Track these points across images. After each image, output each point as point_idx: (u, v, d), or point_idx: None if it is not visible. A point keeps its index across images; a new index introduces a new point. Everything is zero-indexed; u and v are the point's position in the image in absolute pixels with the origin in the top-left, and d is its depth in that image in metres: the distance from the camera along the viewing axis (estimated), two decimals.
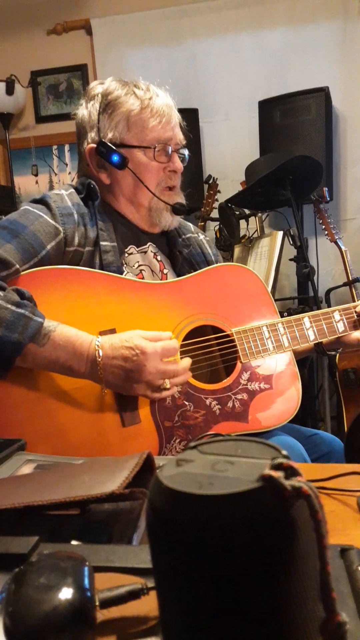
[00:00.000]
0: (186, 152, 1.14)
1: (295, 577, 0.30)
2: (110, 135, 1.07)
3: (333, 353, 1.19)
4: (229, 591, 0.30)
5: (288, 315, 1.11)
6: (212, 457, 0.36)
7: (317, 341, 1.10)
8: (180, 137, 1.12)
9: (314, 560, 0.31)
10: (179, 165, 1.11)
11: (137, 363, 0.88)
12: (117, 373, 0.88)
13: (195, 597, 0.31)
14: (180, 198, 1.13)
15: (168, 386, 0.91)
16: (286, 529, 0.30)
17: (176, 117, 1.11)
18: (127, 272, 1.08)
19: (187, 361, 0.95)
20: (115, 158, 1.06)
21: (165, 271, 1.15)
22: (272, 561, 0.30)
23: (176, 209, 1.12)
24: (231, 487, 0.31)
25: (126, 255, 1.10)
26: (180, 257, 1.18)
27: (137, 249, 1.13)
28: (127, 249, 1.11)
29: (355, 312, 1.12)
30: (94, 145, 1.08)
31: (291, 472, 0.31)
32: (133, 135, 1.07)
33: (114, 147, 1.06)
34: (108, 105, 1.07)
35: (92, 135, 1.09)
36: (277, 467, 0.31)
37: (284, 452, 0.34)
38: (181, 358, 0.99)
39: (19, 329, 0.84)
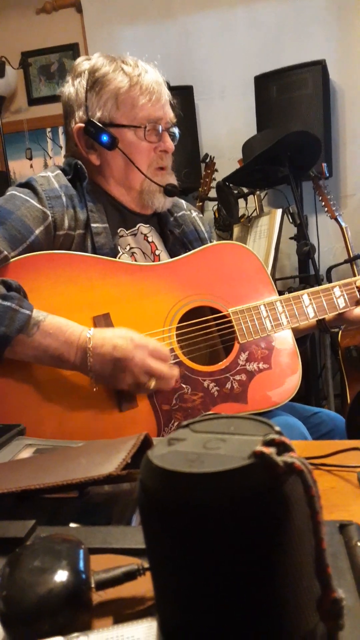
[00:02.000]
0: (177, 130, 1.11)
1: (290, 553, 0.30)
2: (98, 114, 1.04)
3: (336, 330, 1.17)
4: (222, 570, 0.29)
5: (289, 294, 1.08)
6: (204, 435, 0.35)
7: (316, 318, 1.08)
8: (170, 115, 1.09)
9: (309, 536, 0.30)
10: (170, 145, 1.08)
11: (126, 350, 0.87)
12: (105, 361, 0.87)
13: (188, 576, 0.31)
14: (172, 179, 1.10)
15: (152, 386, 0.90)
16: (279, 506, 0.29)
17: (166, 94, 1.08)
18: (122, 254, 1.07)
19: (176, 370, 0.93)
20: (104, 138, 1.03)
21: (157, 252, 1.13)
22: (265, 538, 0.29)
23: (168, 191, 1.09)
24: (222, 465, 0.30)
25: (118, 237, 1.09)
26: (171, 236, 1.16)
27: (127, 232, 1.11)
28: (118, 231, 1.09)
29: (357, 287, 1.10)
30: (82, 125, 1.05)
31: (284, 448, 0.31)
32: (122, 113, 1.04)
33: (103, 127, 1.03)
34: (96, 83, 1.04)
35: (79, 114, 1.06)
36: (269, 443, 0.31)
37: (277, 428, 0.33)
38: (177, 342, 0.98)
39: (6, 322, 0.83)
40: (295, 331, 1.09)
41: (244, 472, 0.29)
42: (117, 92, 1.03)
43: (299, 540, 0.30)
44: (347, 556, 0.39)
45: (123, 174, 1.07)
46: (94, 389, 0.90)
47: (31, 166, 3.07)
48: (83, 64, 1.07)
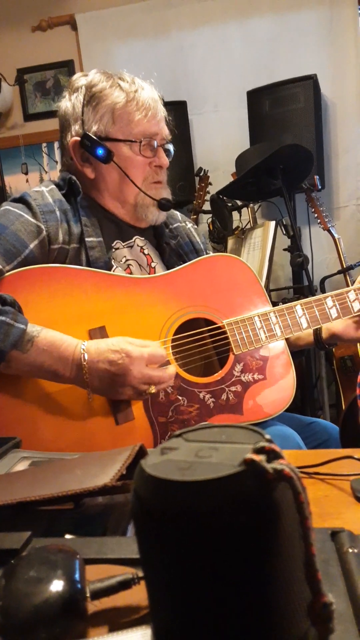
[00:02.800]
0: (171, 147, 1.13)
1: (281, 559, 0.30)
2: (95, 128, 1.06)
3: (331, 347, 1.19)
4: (213, 576, 0.30)
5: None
6: (197, 444, 0.36)
7: (310, 329, 1.09)
8: (165, 132, 1.11)
9: (299, 542, 0.31)
10: (164, 160, 1.10)
11: (123, 367, 0.87)
12: (102, 377, 0.87)
13: (181, 583, 0.31)
14: (166, 193, 1.12)
15: (153, 391, 0.90)
16: (269, 512, 0.30)
17: (162, 112, 1.10)
18: (116, 267, 1.08)
19: (172, 369, 0.94)
20: (100, 151, 1.05)
21: (153, 264, 1.14)
22: (256, 544, 0.30)
23: (163, 205, 1.10)
24: (213, 473, 0.30)
25: (113, 250, 1.10)
26: (167, 248, 1.17)
27: (123, 244, 1.12)
28: (114, 244, 1.10)
29: (348, 297, 1.11)
30: (78, 138, 1.06)
31: (273, 456, 0.31)
32: (118, 128, 1.06)
33: (98, 140, 1.05)
34: (92, 98, 1.05)
35: (75, 128, 1.07)
36: (259, 450, 0.31)
37: (267, 436, 0.34)
38: (172, 354, 0.99)
39: (1, 337, 0.83)
40: (292, 347, 1.11)
41: (235, 480, 0.30)
42: (114, 107, 1.05)
43: (289, 546, 0.31)
44: (338, 562, 0.40)
45: (117, 187, 1.08)
46: (90, 399, 0.90)
47: (27, 181, 3.10)
48: (80, 79, 1.09)
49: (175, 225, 1.23)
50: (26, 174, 3.08)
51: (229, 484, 0.30)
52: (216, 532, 0.30)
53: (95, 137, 1.05)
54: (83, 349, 0.88)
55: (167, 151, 1.12)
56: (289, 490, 0.31)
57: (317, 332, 1.15)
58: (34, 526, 0.51)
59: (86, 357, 0.87)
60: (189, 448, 0.35)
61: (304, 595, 0.31)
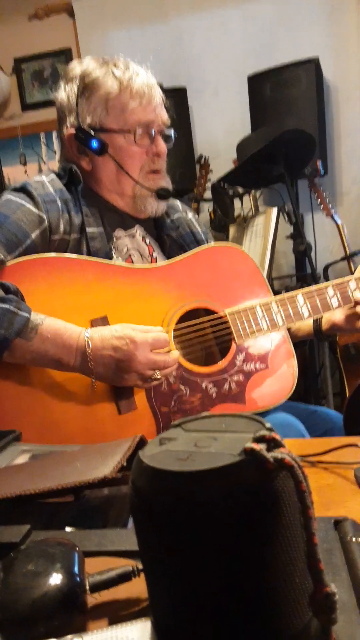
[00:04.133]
0: (172, 132, 1.10)
1: (282, 549, 0.29)
2: (89, 120, 1.04)
3: (331, 339, 1.18)
4: (214, 567, 0.29)
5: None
6: (196, 434, 0.35)
7: (311, 318, 1.08)
8: (164, 117, 1.08)
9: (301, 532, 0.30)
10: (162, 148, 1.07)
11: (127, 352, 0.86)
12: (107, 363, 0.87)
13: (181, 574, 0.30)
14: (165, 182, 1.09)
15: (158, 376, 0.90)
16: (270, 501, 0.29)
17: (158, 97, 1.07)
18: (117, 258, 1.06)
19: (176, 353, 0.94)
20: (94, 144, 1.03)
21: (154, 254, 1.13)
22: (257, 534, 0.29)
23: (160, 195, 1.08)
24: (213, 463, 0.30)
25: (114, 240, 1.08)
26: (168, 240, 1.16)
27: (124, 232, 1.10)
28: (115, 232, 1.09)
29: (349, 286, 1.10)
30: (73, 131, 1.05)
31: (274, 444, 0.31)
32: (112, 118, 1.03)
33: (92, 133, 1.03)
34: (86, 88, 1.03)
35: (71, 119, 1.05)
36: (259, 439, 0.31)
37: (268, 425, 0.33)
38: (175, 343, 0.98)
39: (5, 325, 0.83)
40: (292, 338, 1.10)
41: (235, 469, 0.29)
42: (107, 97, 1.03)
43: (291, 535, 0.30)
44: (341, 552, 0.39)
45: (114, 179, 1.07)
46: (93, 387, 0.90)
47: (25, 172, 3.07)
48: (75, 68, 1.07)
49: (176, 216, 1.21)
50: (24, 164, 3.06)
51: (229, 474, 0.29)
52: (216, 522, 0.29)
53: (88, 130, 1.03)
54: (87, 337, 0.87)
55: (167, 137, 1.09)
56: (290, 479, 0.30)
57: (317, 323, 1.14)
58: (34, 519, 0.51)
59: (90, 345, 0.86)
60: (188, 438, 0.35)
61: (306, 586, 0.31)
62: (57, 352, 0.86)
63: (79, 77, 1.05)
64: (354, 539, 0.39)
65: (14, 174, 3.08)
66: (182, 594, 0.31)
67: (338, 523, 0.42)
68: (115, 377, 0.89)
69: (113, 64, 1.05)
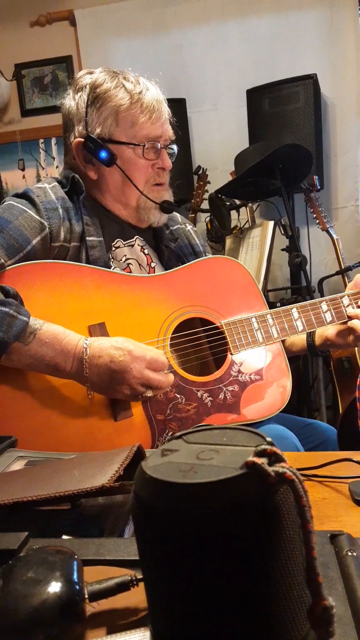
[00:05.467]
0: (175, 147, 1.12)
1: (281, 562, 0.30)
2: (98, 130, 1.05)
3: (325, 355, 1.19)
4: (214, 579, 0.30)
5: (281, 306, 1.10)
6: (197, 446, 0.36)
7: (305, 332, 1.10)
8: (169, 133, 1.10)
9: (300, 545, 0.31)
10: (168, 163, 1.09)
11: (123, 364, 0.86)
12: (101, 372, 0.87)
13: (181, 585, 0.31)
14: (168, 195, 1.11)
15: (149, 395, 0.90)
16: (271, 515, 0.30)
17: (166, 113, 1.08)
18: (115, 267, 1.07)
19: (172, 377, 0.94)
20: (103, 154, 1.04)
21: (152, 264, 1.14)
22: (257, 547, 0.30)
23: (165, 208, 1.10)
24: (215, 475, 0.30)
25: (113, 249, 1.09)
26: (167, 251, 1.17)
27: (124, 243, 1.11)
28: (114, 242, 1.10)
29: (342, 302, 1.12)
30: (82, 140, 1.06)
31: (275, 459, 0.31)
32: (122, 131, 1.05)
33: (102, 143, 1.04)
34: (97, 99, 1.04)
35: (79, 128, 1.06)
36: (260, 453, 0.31)
37: (269, 439, 0.34)
38: (171, 352, 0.99)
39: (4, 328, 0.83)
40: (287, 353, 1.11)
41: (236, 482, 0.30)
42: (118, 109, 1.04)
43: (290, 549, 0.31)
44: (337, 565, 0.40)
45: (120, 190, 1.08)
46: (90, 397, 0.90)
47: (23, 177, 3.08)
48: (85, 77, 1.08)
49: (175, 227, 1.23)
50: (23, 169, 3.07)
51: (231, 487, 0.30)
52: (217, 534, 0.30)
53: (98, 140, 1.04)
54: (85, 344, 0.87)
55: (171, 151, 1.11)
56: (291, 493, 0.30)
57: (310, 338, 1.15)
58: (30, 526, 0.51)
59: (88, 352, 0.87)
60: (189, 450, 0.35)
61: (303, 599, 0.31)
62: (54, 358, 0.87)
63: (90, 86, 1.05)
64: (349, 553, 0.40)
65: (12, 178, 3.09)
66: (182, 605, 0.31)
67: (334, 537, 0.42)
68: (107, 388, 0.89)
69: (123, 77, 1.06)
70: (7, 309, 0.84)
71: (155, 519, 0.31)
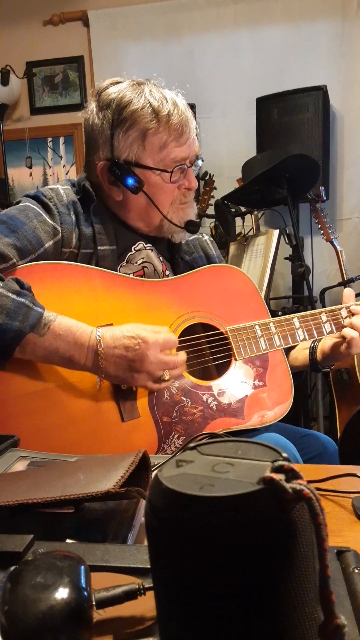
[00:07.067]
0: (200, 162, 1.09)
1: (295, 579, 0.30)
2: (124, 155, 1.01)
3: (327, 370, 1.20)
4: (228, 592, 0.30)
5: (282, 314, 1.11)
6: (212, 459, 0.36)
7: (306, 340, 1.11)
8: (196, 149, 1.07)
9: (313, 562, 0.31)
10: (194, 183, 1.07)
11: (139, 352, 0.87)
12: (118, 363, 0.88)
13: (194, 597, 0.31)
14: (193, 212, 1.10)
15: (167, 377, 0.92)
16: (286, 532, 0.30)
17: (193, 129, 1.05)
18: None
19: (183, 354, 0.95)
20: (130, 181, 1.01)
21: (167, 272, 1.13)
22: (271, 563, 0.30)
23: (190, 230, 1.09)
24: (232, 489, 0.30)
25: (133, 251, 1.09)
26: (182, 263, 1.17)
27: (145, 245, 1.10)
28: (136, 245, 1.09)
29: (340, 314, 1.13)
30: (107, 162, 1.02)
31: (292, 475, 0.31)
32: (149, 155, 1.01)
33: (129, 171, 1.01)
34: (123, 121, 1.00)
35: (104, 151, 1.03)
36: (278, 469, 0.31)
37: (285, 455, 0.34)
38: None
39: (20, 318, 0.83)
40: (290, 368, 1.12)
41: (254, 497, 0.30)
42: (145, 132, 1.00)
43: (304, 566, 0.31)
44: (344, 582, 0.40)
45: (144, 211, 1.06)
46: (99, 385, 0.90)
47: (30, 174, 3.09)
48: (110, 92, 1.03)
49: (192, 238, 1.21)
50: (30, 167, 3.07)
51: (248, 502, 0.30)
52: (233, 548, 0.30)
53: (125, 166, 1.01)
54: (99, 336, 0.88)
55: (196, 168, 1.08)
56: (307, 510, 0.31)
57: (312, 355, 1.16)
58: (34, 528, 0.51)
59: (102, 344, 0.87)
60: (204, 462, 0.35)
61: (315, 616, 0.31)
62: (68, 350, 0.87)
63: (115, 105, 1.00)
64: (356, 570, 0.40)
65: (19, 176, 3.09)
66: (192, 617, 0.31)
67: (340, 553, 0.43)
68: (125, 377, 0.90)
69: (149, 91, 1.01)
70: (23, 300, 0.85)
71: (171, 529, 0.31)
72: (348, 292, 1.17)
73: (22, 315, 0.83)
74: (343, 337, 1.08)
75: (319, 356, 1.15)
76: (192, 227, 1.09)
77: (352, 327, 1.07)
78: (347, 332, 1.07)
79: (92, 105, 1.05)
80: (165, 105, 1.00)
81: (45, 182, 3.09)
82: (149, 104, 1.00)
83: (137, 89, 1.02)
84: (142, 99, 1.00)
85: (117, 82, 1.05)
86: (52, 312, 0.88)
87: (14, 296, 0.84)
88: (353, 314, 1.11)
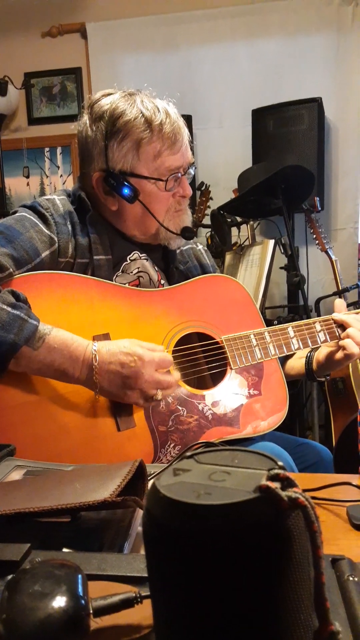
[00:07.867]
0: (192, 170, 1.11)
1: (290, 587, 0.31)
2: (119, 165, 1.02)
3: (322, 380, 1.20)
4: (225, 600, 0.30)
5: (278, 324, 1.12)
6: (209, 467, 0.36)
7: (301, 350, 1.11)
8: (189, 158, 1.08)
9: (308, 570, 0.31)
10: (188, 191, 1.09)
11: (135, 370, 0.88)
12: (112, 379, 0.88)
13: (191, 605, 0.31)
14: (188, 219, 1.11)
15: (160, 397, 0.92)
16: (282, 540, 0.30)
17: (186, 138, 1.06)
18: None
19: (177, 375, 0.96)
20: (125, 191, 1.02)
21: (162, 282, 1.14)
22: (267, 571, 0.30)
23: (186, 236, 1.10)
24: (229, 497, 0.31)
25: (128, 261, 1.10)
26: (176, 272, 1.18)
27: (140, 255, 1.11)
28: (131, 255, 1.10)
29: (334, 322, 1.13)
30: (102, 174, 1.03)
31: (287, 483, 0.32)
32: (143, 164, 1.02)
33: (124, 181, 1.02)
34: (117, 132, 1.01)
35: (99, 162, 1.04)
36: (273, 478, 0.32)
37: (280, 463, 0.34)
38: (174, 365, 1.00)
39: (15, 330, 0.83)
40: (286, 377, 1.12)
41: (250, 505, 0.30)
42: (139, 142, 1.01)
43: (299, 573, 0.31)
44: (339, 590, 0.40)
45: (140, 220, 1.07)
46: (96, 399, 0.91)
47: (27, 184, 3.10)
48: (103, 104, 1.03)
49: (186, 247, 1.22)
50: (27, 177, 3.09)
51: (245, 510, 0.30)
52: (229, 556, 0.30)
53: (120, 176, 1.02)
54: (94, 350, 0.88)
55: (190, 176, 1.10)
56: (302, 518, 0.31)
57: (308, 365, 1.17)
58: (30, 537, 0.51)
59: (97, 359, 0.87)
60: (201, 470, 0.36)
61: (310, 623, 0.32)
62: (62, 363, 0.87)
63: (108, 117, 1.01)
64: (350, 578, 0.40)
65: (16, 185, 3.11)
66: (190, 624, 0.32)
67: (335, 561, 0.43)
68: (118, 393, 0.90)
69: (141, 101, 1.02)
70: (18, 312, 0.85)
71: (168, 537, 0.32)
72: (339, 303, 1.17)
73: (17, 328, 0.84)
74: (339, 347, 1.09)
75: (315, 365, 1.16)
76: (187, 233, 1.10)
77: (349, 337, 1.08)
78: (347, 343, 1.07)
79: (85, 118, 1.06)
80: (157, 115, 1.01)
81: (42, 192, 3.11)
82: (141, 114, 1.01)
83: (129, 100, 1.03)
84: (135, 110, 1.01)
85: (109, 94, 1.06)
86: (48, 325, 0.88)
87: (9, 309, 0.85)
88: (340, 324, 1.11)
